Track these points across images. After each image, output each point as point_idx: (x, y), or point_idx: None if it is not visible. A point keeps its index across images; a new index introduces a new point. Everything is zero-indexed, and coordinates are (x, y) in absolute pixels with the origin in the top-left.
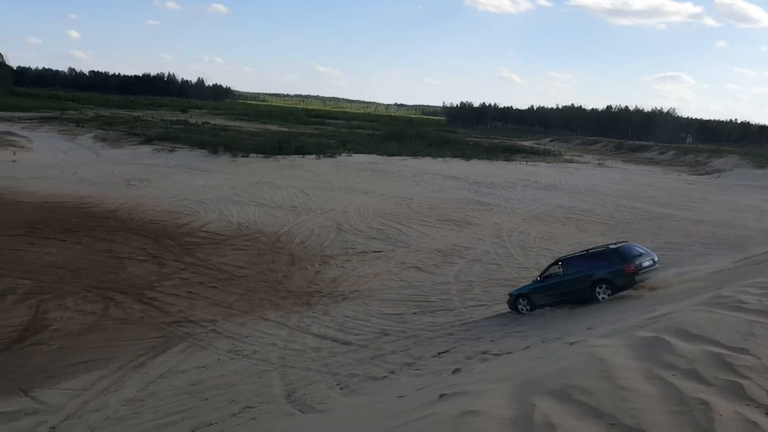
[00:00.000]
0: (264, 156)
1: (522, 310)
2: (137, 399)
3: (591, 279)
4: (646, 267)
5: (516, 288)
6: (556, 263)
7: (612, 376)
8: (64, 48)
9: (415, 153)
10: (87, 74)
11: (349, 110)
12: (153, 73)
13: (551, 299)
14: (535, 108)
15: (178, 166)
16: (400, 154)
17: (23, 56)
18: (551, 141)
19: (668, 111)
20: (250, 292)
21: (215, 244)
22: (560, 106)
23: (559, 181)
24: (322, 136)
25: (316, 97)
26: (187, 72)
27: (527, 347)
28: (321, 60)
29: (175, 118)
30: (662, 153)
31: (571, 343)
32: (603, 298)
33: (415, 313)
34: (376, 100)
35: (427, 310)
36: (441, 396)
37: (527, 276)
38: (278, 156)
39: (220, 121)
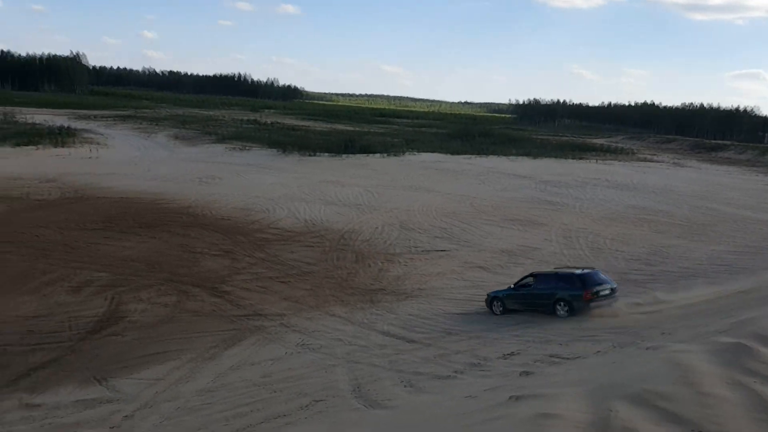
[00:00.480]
0: (331, 155)
1: (496, 310)
2: (209, 390)
3: (554, 297)
4: (602, 295)
5: (493, 291)
6: (529, 276)
7: (692, 382)
8: (140, 48)
9: (480, 151)
10: (162, 74)
11: (414, 109)
12: (225, 73)
13: (520, 306)
14: (607, 105)
15: (250, 164)
16: (466, 153)
17: (100, 56)
18: (624, 139)
19: (747, 109)
20: (317, 288)
21: (284, 241)
22: (634, 104)
23: (632, 181)
24: (387, 135)
25: (382, 97)
26: (258, 72)
27: (598, 351)
28: (387, 59)
29: (246, 118)
30: (740, 153)
31: (647, 348)
32: (562, 314)
33: (479, 314)
34: (442, 99)
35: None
36: (513, 398)
37: None
38: (345, 155)
39: (289, 121)
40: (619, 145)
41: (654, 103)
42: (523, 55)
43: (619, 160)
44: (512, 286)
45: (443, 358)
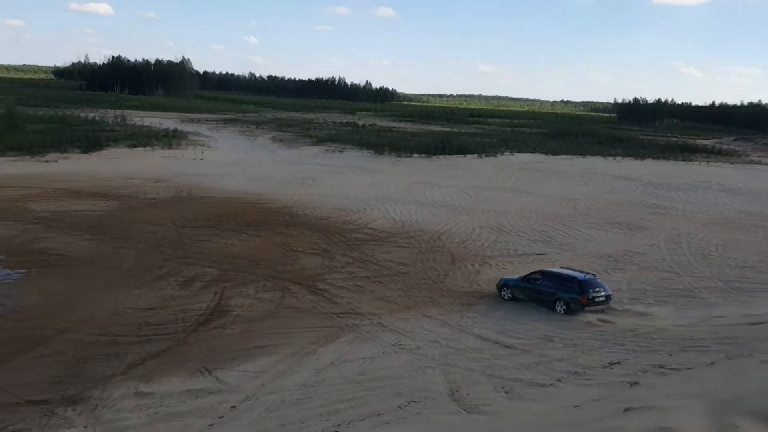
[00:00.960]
0: (426, 156)
1: (504, 296)
2: (309, 384)
3: (555, 296)
4: (598, 301)
5: (504, 278)
6: (538, 272)
7: None
8: (244, 54)
9: (581, 152)
10: (264, 78)
11: (511, 109)
12: (323, 77)
13: (525, 297)
14: (714, 105)
15: (346, 165)
16: (565, 153)
17: (207, 62)
18: (734, 140)
19: None
20: (411, 288)
21: (379, 241)
22: (745, 103)
23: (743, 184)
24: (483, 135)
25: (478, 97)
26: (354, 75)
27: (711, 363)
28: (484, 58)
29: (343, 120)
30: None
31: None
32: (560, 311)
33: (582, 321)
34: (540, 98)
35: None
36: (626, 410)
37: (708, 287)
38: (439, 156)
39: (384, 123)
40: (729, 146)
41: (765, 103)
42: (624, 52)
43: (729, 162)
44: (521, 277)
45: (542, 365)
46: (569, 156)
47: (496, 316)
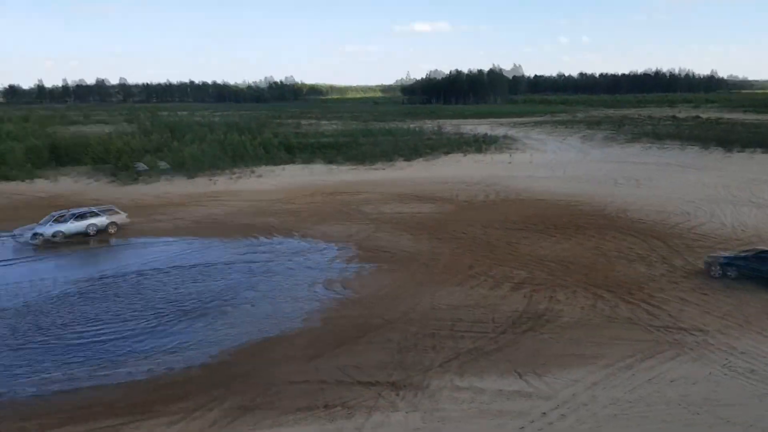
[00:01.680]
0: (765, 150)
1: (713, 274)
2: (625, 401)
3: None
4: None
5: (712, 255)
6: (760, 252)
7: None
8: (554, 54)
9: None
10: (575, 77)
11: None
12: (639, 70)
13: (741, 275)
14: None
15: (667, 163)
16: None
17: (518, 66)
18: None
19: None
20: (746, 303)
21: (707, 248)
22: None
23: None
24: None
25: None
26: (674, 65)
27: None
28: None
29: (663, 115)
30: None
31: None
32: None
33: None
34: None
35: None
36: None
37: None
38: None
39: (712, 114)
40: None
41: None
42: None
43: None
44: (731, 255)
45: None
46: None
47: None
